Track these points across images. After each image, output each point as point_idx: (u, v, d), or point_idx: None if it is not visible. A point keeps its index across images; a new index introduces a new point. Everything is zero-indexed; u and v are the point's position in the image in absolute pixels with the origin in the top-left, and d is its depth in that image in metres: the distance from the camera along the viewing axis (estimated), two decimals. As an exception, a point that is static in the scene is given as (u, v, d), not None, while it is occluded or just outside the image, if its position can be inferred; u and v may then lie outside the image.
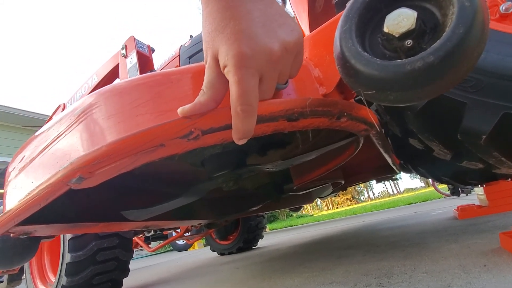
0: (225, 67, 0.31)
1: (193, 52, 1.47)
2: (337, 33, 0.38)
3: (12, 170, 0.63)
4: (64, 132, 0.48)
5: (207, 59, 0.34)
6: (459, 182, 1.19)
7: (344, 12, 0.37)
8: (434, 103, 0.58)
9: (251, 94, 0.31)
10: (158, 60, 1.69)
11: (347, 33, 0.36)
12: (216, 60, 0.33)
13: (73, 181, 0.41)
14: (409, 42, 0.33)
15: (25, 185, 0.55)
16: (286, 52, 0.32)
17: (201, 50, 1.47)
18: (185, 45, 1.55)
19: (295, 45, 0.33)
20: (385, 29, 0.35)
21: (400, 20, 0.33)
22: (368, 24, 0.37)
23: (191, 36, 1.61)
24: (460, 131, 0.58)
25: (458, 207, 1.66)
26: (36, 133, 0.60)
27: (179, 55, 1.53)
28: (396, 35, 0.34)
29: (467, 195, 4.05)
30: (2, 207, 0.81)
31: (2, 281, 2.75)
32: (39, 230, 0.69)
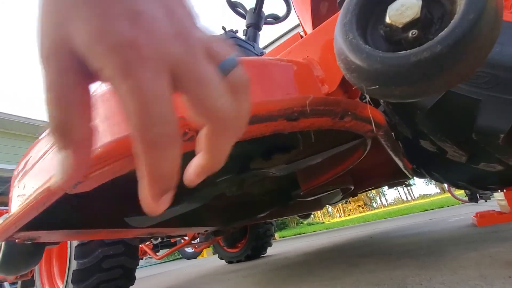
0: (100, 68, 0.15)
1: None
2: (337, 27, 0.36)
3: (17, 175, 0.63)
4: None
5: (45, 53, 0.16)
6: (477, 187, 1.12)
7: (344, 5, 0.35)
8: (446, 101, 0.54)
9: (161, 103, 0.15)
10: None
11: (347, 26, 0.34)
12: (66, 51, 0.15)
13: (68, 185, 0.40)
14: (414, 32, 0.31)
15: (26, 190, 0.55)
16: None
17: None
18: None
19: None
20: (388, 20, 0.32)
21: (403, 10, 0.31)
22: (369, 16, 0.35)
23: (223, 28, 1.53)
24: (475, 131, 0.54)
25: (477, 214, 1.58)
26: (39, 138, 0.60)
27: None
28: (400, 26, 0.32)
29: (486, 201, 3.85)
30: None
31: (16, 287, 2.80)
32: (43, 236, 0.69)
